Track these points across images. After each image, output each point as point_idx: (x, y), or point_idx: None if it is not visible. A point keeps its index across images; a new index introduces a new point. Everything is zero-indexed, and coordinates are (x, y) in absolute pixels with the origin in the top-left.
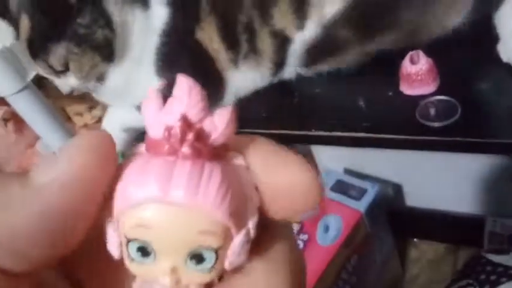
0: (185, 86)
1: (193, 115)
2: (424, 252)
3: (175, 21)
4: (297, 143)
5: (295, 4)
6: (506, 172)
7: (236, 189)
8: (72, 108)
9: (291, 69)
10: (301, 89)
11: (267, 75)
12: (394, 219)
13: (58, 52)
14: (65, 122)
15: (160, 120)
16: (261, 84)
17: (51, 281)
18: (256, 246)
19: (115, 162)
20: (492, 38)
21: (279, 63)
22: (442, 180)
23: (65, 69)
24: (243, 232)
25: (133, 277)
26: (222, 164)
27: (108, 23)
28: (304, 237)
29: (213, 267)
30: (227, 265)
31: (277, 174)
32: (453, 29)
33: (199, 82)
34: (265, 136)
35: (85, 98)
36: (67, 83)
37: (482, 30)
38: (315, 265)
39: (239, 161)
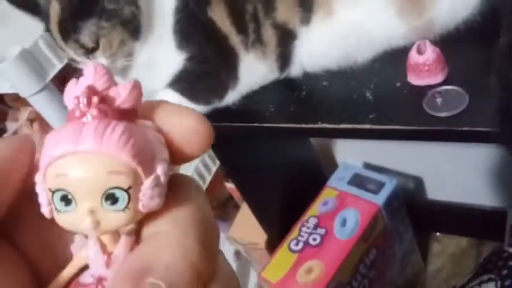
0: (90, 66)
1: (99, 86)
2: (446, 246)
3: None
4: (304, 136)
5: None
6: None
7: (140, 139)
8: None
9: (298, 67)
10: (308, 83)
11: (274, 70)
12: (415, 212)
13: (89, 29)
14: None
15: (72, 95)
16: (269, 79)
17: None
18: (166, 210)
19: (31, 153)
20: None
21: (284, 58)
22: (463, 173)
23: (95, 46)
24: (152, 176)
25: (70, 234)
26: (129, 123)
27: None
28: (322, 231)
29: (126, 207)
30: (140, 207)
31: (177, 119)
32: (463, 20)
33: (215, 56)
34: (274, 130)
35: None
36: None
37: (490, 20)
38: (332, 258)
39: (148, 123)
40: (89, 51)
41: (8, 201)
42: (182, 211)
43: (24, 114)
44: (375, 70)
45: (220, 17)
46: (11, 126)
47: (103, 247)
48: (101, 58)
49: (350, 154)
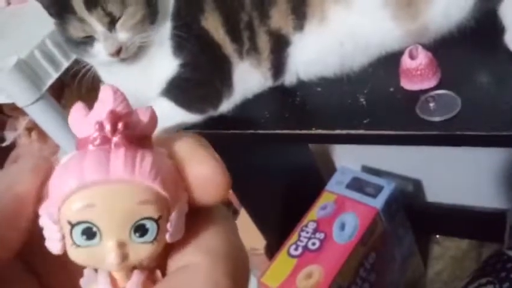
0: (109, 89)
1: (120, 111)
2: (447, 249)
3: (180, 6)
4: (299, 142)
5: (293, 3)
6: None
7: (166, 169)
8: None
9: (292, 74)
10: (302, 89)
11: (268, 77)
12: (414, 215)
13: None
14: None
15: (88, 121)
16: (263, 87)
17: (14, 274)
18: (195, 239)
19: (46, 177)
20: (494, 30)
21: (278, 66)
22: (463, 175)
23: (120, 16)
24: (178, 204)
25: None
26: (150, 151)
27: None
28: (321, 235)
29: (155, 238)
30: (168, 237)
31: (195, 165)
32: (456, 24)
33: (209, 65)
34: (269, 136)
35: None
36: (116, 38)
37: (483, 24)
38: (332, 263)
39: (163, 151)
40: (113, 21)
41: (24, 231)
42: (211, 242)
43: (22, 124)
44: (368, 75)
45: (214, 26)
46: (9, 135)
47: (114, 282)
48: (121, 31)
49: (348, 158)
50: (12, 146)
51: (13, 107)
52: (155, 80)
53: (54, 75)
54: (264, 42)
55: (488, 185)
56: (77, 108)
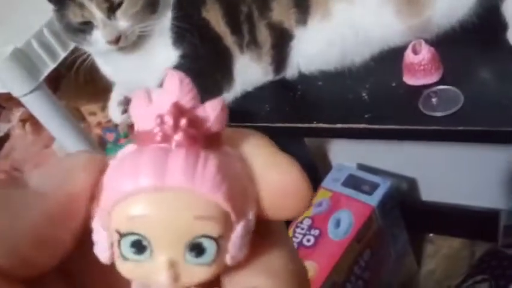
0: (175, 77)
1: (185, 104)
2: (440, 247)
3: None
4: (300, 135)
5: None
6: None
7: (233, 176)
8: (86, 108)
9: (294, 68)
10: (303, 82)
11: (269, 71)
12: (409, 214)
13: None
14: (78, 122)
15: (150, 112)
16: (264, 80)
17: (49, 283)
18: (256, 259)
19: (100, 174)
20: (496, 26)
21: (280, 61)
22: (457, 174)
23: (120, 3)
24: (243, 222)
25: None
26: (217, 152)
27: None
28: (316, 232)
29: (214, 260)
30: (228, 259)
31: (273, 172)
32: (459, 20)
33: (209, 56)
34: (269, 130)
35: (99, 98)
36: (116, 26)
37: (486, 20)
38: (326, 259)
39: (234, 152)
40: (113, 8)
41: (77, 233)
42: (274, 261)
43: (16, 115)
44: (371, 70)
45: (214, 17)
46: (3, 126)
47: None
48: (122, 19)
49: (344, 155)
50: (5, 138)
51: (7, 98)
52: (154, 70)
53: (51, 65)
54: (264, 36)
55: (482, 185)
56: (140, 96)
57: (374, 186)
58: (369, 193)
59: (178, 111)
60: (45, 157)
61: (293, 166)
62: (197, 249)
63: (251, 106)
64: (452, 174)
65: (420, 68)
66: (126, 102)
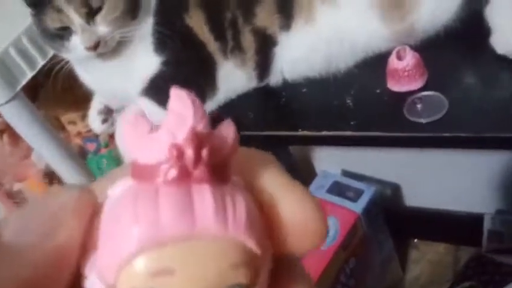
0: (185, 98)
1: (201, 131)
2: (424, 253)
3: (164, 2)
4: (285, 144)
5: (279, 2)
6: (503, 167)
7: (252, 212)
8: (66, 117)
9: (278, 75)
10: (288, 89)
11: (253, 78)
12: (393, 220)
13: None
14: (57, 132)
15: (155, 142)
16: (248, 87)
17: None
18: None
19: (91, 219)
20: (480, 32)
21: (264, 66)
22: (441, 179)
23: (100, 7)
24: (267, 263)
25: None
26: (232, 185)
27: None
28: None
29: None
30: None
31: (288, 206)
32: (443, 25)
33: (192, 63)
34: (254, 138)
35: (79, 107)
36: (94, 32)
37: (470, 25)
38: (313, 268)
39: (240, 181)
40: (92, 13)
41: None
42: None
43: None
44: (355, 76)
45: (198, 23)
46: None
47: None
48: (101, 24)
49: (329, 162)
50: None
51: None
52: (135, 77)
53: (29, 74)
54: (248, 41)
55: (466, 190)
56: (137, 120)
57: (359, 193)
58: (354, 200)
59: (198, 140)
60: (24, 168)
61: (308, 198)
62: None
63: (235, 114)
64: (436, 179)
65: (404, 74)
66: (107, 112)
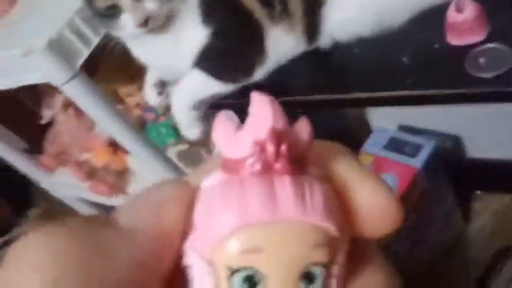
0: (265, 101)
1: (280, 128)
2: (488, 204)
3: None
4: (338, 107)
5: None
6: None
7: (332, 199)
8: (124, 90)
9: (327, 37)
10: (339, 51)
11: (302, 42)
12: (455, 172)
13: None
14: (116, 105)
15: (240, 139)
16: (297, 51)
17: None
18: (353, 280)
19: (190, 206)
20: None
21: (312, 28)
22: (503, 129)
23: None
24: (344, 244)
25: None
26: (310, 175)
27: None
28: None
29: (323, 286)
30: (334, 284)
31: (365, 193)
32: None
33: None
34: (307, 103)
35: (134, 79)
36: (143, 8)
37: None
38: None
39: (319, 171)
40: None
41: (166, 275)
42: (370, 280)
43: (58, 101)
44: (410, 32)
45: None
46: (47, 113)
47: None
48: (149, 0)
49: (384, 117)
50: (50, 123)
51: (47, 86)
52: (186, 50)
53: (85, 52)
54: (295, 4)
55: None
56: (225, 121)
57: (418, 148)
58: (413, 155)
59: (278, 137)
60: (89, 139)
61: (383, 185)
62: (308, 277)
63: (286, 80)
64: (498, 129)
65: (465, 26)
66: (161, 85)
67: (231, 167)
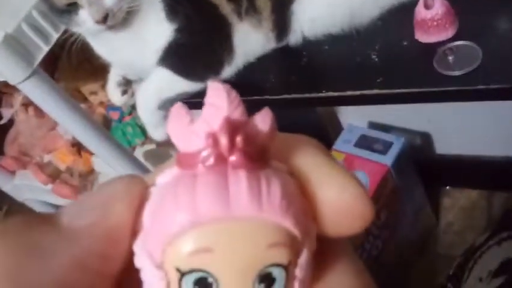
0: (220, 90)
1: (236, 119)
2: (457, 200)
3: None
4: (308, 106)
5: None
6: None
7: (293, 195)
8: (87, 88)
9: (297, 33)
10: (308, 49)
11: (271, 38)
12: (424, 168)
13: None
14: (79, 103)
15: (195, 131)
16: (266, 48)
17: None
18: (322, 280)
19: (141, 204)
20: None
21: (282, 26)
22: (471, 125)
23: None
24: (308, 241)
25: None
26: (270, 169)
27: None
28: None
29: None
30: (297, 286)
31: (333, 189)
32: None
33: (206, 28)
34: (276, 102)
35: (98, 77)
36: (102, 4)
37: None
38: None
39: (283, 166)
40: None
41: (115, 276)
42: (340, 279)
43: (18, 100)
44: (379, 29)
45: None
46: (6, 112)
47: None
48: None
49: (355, 115)
50: (10, 123)
51: (6, 83)
52: (150, 47)
53: (44, 49)
54: (263, 0)
55: (498, 133)
56: (178, 113)
57: (388, 145)
58: (383, 152)
59: (232, 128)
60: (52, 139)
61: (353, 180)
62: (267, 280)
63: (255, 78)
64: (466, 126)
65: (433, 23)
66: (125, 83)
67: (185, 161)
